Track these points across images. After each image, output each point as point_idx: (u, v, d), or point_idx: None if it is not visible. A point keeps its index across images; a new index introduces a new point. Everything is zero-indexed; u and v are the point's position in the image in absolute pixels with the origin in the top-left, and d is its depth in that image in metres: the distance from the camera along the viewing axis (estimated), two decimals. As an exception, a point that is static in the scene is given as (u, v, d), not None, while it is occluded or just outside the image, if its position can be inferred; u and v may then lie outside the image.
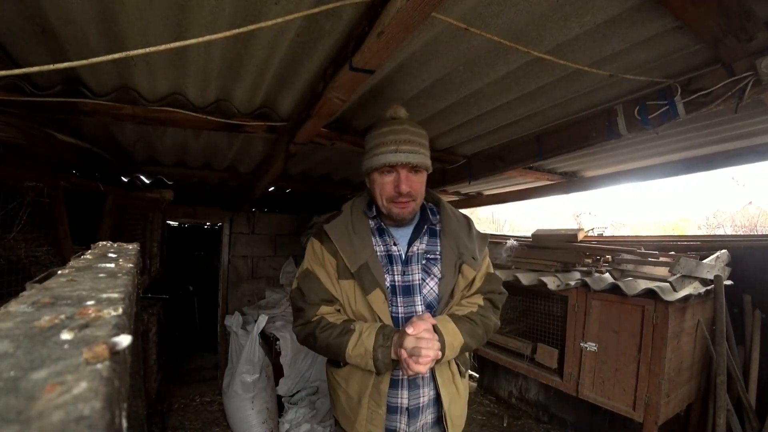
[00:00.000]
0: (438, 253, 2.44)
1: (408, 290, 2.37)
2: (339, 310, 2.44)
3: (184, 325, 10.26)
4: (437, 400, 2.42)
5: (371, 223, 2.52)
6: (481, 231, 2.62)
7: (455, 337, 2.19)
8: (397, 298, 2.36)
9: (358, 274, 2.30)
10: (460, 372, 2.48)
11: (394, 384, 2.35)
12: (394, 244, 2.44)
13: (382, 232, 2.49)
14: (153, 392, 4.83)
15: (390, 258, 2.42)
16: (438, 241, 2.48)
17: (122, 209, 4.16)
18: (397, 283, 2.37)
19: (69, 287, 0.68)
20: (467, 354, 2.57)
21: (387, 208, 2.37)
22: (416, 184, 2.31)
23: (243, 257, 8.11)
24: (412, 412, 2.37)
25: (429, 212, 2.56)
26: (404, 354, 2.01)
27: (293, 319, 2.55)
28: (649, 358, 3.72)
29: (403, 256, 2.42)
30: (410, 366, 1.99)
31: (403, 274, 2.39)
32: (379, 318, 2.27)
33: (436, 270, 2.40)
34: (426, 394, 2.39)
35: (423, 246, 2.46)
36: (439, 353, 2.05)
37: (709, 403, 4.06)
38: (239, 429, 5.73)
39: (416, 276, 2.39)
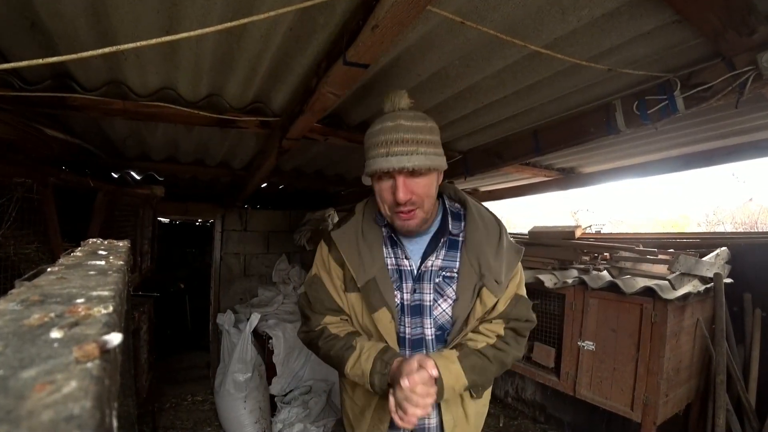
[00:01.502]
0: (455, 270, 2.17)
1: (417, 310, 2.17)
2: (346, 320, 2.32)
3: (175, 324, 10.24)
4: (441, 423, 2.22)
5: (383, 231, 2.28)
6: (517, 243, 2.34)
7: (458, 381, 1.99)
8: (405, 317, 2.18)
9: (365, 289, 2.15)
10: (471, 394, 2.25)
11: None
12: (406, 258, 2.21)
13: (393, 243, 2.26)
14: (144, 391, 4.83)
15: (400, 273, 2.20)
16: (458, 255, 2.20)
17: (113, 206, 4.15)
18: (405, 302, 2.17)
19: (59, 285, 0.68)
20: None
21: (391, 220, 2.12)
22: (419, 188, 1.99)
23: (235, 254, 8.11)
24: None
25: (450, 217, 2.27)
26: (392, 403, 1.84)
27: (301, 323, 2.45)
28: (648, 357, 3.73)
29: (415, 272, 2.19)
30: (395, 420, 1.84)
31: (414, 292, 2.17)
32: (382, 339, 2.13)
33: (450, 291, 2.16)
34: (434, 417, 2.22)
35: (439, 262, 2.19)
36: (430, 408, 1.84)
37: (708, 402, 4.07)
38: (231, 429, 5.75)
39: (427, 295, 2.16)
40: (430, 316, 2.16)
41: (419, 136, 1.96)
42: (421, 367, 1.86)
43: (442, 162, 2.07)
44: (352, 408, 2.37)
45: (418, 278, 2.19)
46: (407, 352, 2.15)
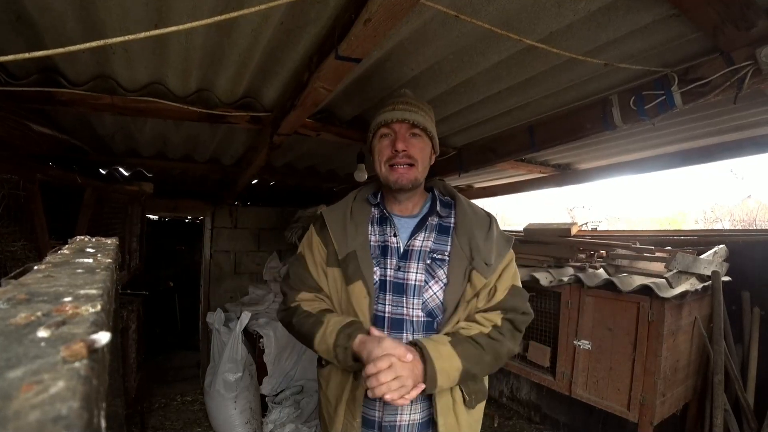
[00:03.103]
0: (447, 253, 2.23)
1: (400, 288, 2.19)
2: (323, 299, 2.34)
3: (164, 323, 10.24)
4: (428, 425, 2.19)
5: (373, 210, 2.42)
6: (507, 233, 2.40)
7: (451, 364, 1.95)
8: (386, 295, 2.19)
9: (344, 261, 2.22)
10: (464, 400, 2.19)
11: None
12: (394, 235, 2.29)
13: (383, 221, 2.36)
14: (133, 391, 4.83)
15: (385, 249, 2.27)
16: (449, 239, 2.27)
17: (101, 203, 4.15)
18: (388, 278, 2.21)
19: (46, 283, 0.68)
20: (485, 381, 2.38)
21: (385, 176, 2.25)
22: (414, 147, 2.21)
23: (225, 252, 8.11)
24: (387, 430, 2.17)
25: (440, 203, 2.39)
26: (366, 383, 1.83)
27: (280, 302, 2.50)
28: (645, 356, 3.74)
29: (401, 250, 2.26)
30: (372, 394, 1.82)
31: (398, 269, 2.21)
32: (356, 314, 2.15)
33: (441, 273, 2.19)
34: (406, 413, 2.17)
35: (430, 243, 2.26)
36: (408, 389, 1.81)
37: (706, 402, 4.08)
38: (221, 429, 5.75)
39: (413, 275, 2.19)
40: (419, 296, 2.18)
41: (421, 105, 2.28)
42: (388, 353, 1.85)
43: (435, 134, 2.33)
44: (326, 407, 2.36)
45: (404, 256, 2.25)
46: (386, 332, 2.13)
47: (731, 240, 4.57)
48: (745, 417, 3.95)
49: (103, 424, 0.42)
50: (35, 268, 0.80)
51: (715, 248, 4.32)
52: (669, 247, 4.63)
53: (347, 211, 2.38)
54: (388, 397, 1.77)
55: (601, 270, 4.34)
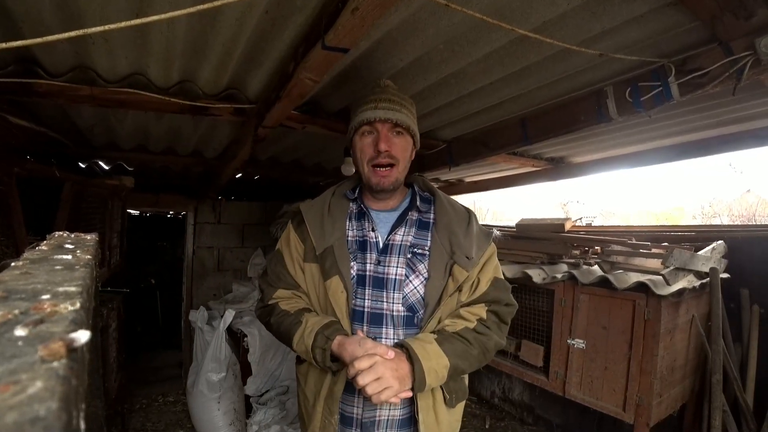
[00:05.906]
0: (427, 248, 2.29)
1: (380, 283, 2.24)
2: (300, 297, 2.41)
3: (145, 321, 10.22)
4: (408, 423, 2.25)
5: (351, 206, 2.46)
6: (486, 227, 2.47)
7: (439, 361, 2.00)
8: (365, 289, 2.25)
9: (322, 257, 2.27)
10: (445, 399, 2.25)
11: (350, 389, 2.21)
12: (372, 230, 2.34)
13: (361, 216, 2.41)
14: (113, 392, 4.82)
15: (364, 244, 2.32)
16: (429, 234, 2.33)
17: (80, 197, 4.13)
18: (368, 273, 2.26)
19: (23, 280, 0.68)
20: (465, 379, 2.44)
21: (367, 177, 2.29)
22: (397, 146, 2.25)
23: (209, 248, 8.11)
24: (366, 426, 2.23)
25: (419, 200, 2.42)
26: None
27: (258, 299, 2.55)
28: (641, 355, 3.75)
29: (380, 244, 2.32)
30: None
31: (378, 263, 2.27)
32: (333, 309, 2.21)
33: (422, 267, 2.25)
34: (385, 409, 2.23)
35: (410, 238, 2.32)
36: (395, 390, 1.87)
37: (704, 403, 4.10)
38: (204, 430, 5.74)
39: (393, 269, 2.24)
40: (400, 291, 2.23)
41: (403, 102, 2.30)
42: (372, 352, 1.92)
43: (416, 131, 2.38)
44: (305, 403, 2.41)
45: (384, 250, 2.30)
46: (365, 327, 2.20)
47: (730, 236, 4.59)
48: (744, 418, 3.96)
49: (82, 425, 0.42)
50: (12, 264, 0.80)
51: (714, 244, 4.33)
52: (666, 243, 4.64)
53: (325, 206, 2.42)
54: (374, 399, 1.83)
55: (596, 267, 4.36)
